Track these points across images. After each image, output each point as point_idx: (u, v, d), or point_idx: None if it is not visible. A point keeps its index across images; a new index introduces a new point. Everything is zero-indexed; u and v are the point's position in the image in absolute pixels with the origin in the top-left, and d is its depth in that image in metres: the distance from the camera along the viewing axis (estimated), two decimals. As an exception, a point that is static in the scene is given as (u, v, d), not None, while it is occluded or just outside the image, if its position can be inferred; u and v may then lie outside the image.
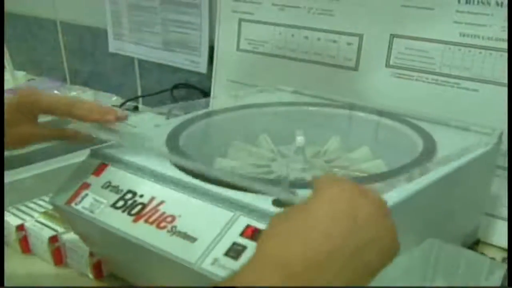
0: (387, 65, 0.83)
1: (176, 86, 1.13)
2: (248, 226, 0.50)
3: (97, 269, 0.70)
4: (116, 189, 0.59)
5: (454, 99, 0.77)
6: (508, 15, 0.71)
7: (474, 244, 0.73)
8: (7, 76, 1.32)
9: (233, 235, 0.50)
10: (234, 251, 0.49)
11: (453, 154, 0.59)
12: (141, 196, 0.58)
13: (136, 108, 1.19)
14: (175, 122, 0.71)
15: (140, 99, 1.25)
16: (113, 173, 0.61)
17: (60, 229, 0.73)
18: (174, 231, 0.53)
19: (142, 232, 0.55)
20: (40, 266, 0.73)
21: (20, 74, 1.42)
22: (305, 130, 0.69)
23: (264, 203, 0.51)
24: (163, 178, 0.57)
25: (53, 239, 0.72)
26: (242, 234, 0.50)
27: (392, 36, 0.82)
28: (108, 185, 0.60)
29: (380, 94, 0.83)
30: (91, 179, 0.62)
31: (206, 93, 1.08)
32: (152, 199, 0.57)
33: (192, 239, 0.52)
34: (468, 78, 0.76)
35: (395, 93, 0.82)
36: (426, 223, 0.59)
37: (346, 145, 0.71)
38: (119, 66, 1.27)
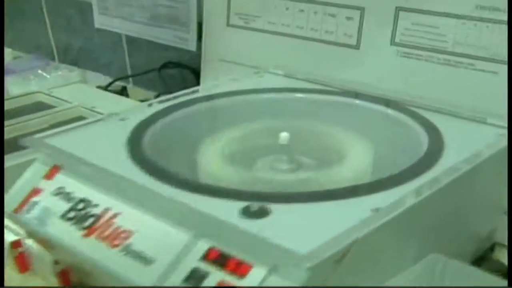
0: (392, 42, 0.73)
1: (165, 65, 1.04)
2: (211, 249, 0.42)
3: (64, 277, 0.62)
4: (68, 197, 0.51)
5: (468, 83, 0.67)
6: (508, 13, 0.62)
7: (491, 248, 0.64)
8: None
9: (194, 259, 0.42)
10: (194, 278, 0.41)
11: (465, 159, 0.50)
12: (96, 206, 0.49)
13: (124, 89, 1.10)
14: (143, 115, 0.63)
15: (131, 79, 1.16)
16: (67, 177, 0.53)
17: (23, 232, 0.65)
18: (128, 250, 0.45)
19: (92, 249, 0.47)
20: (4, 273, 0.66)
21: (7, 51, 1.34)
22: (294, 121, 0.60)
23: (232, 215, 0.43)
24: (121, 183, 0.49)
25: (16, 244, 0.64)
26: (204, 258, 0.42)
27: (398, 9, 0.71)
28: (60, 192, 0.52)
29: (384, 76, 0.74)
30: (43, 183, 0.53)
31: (198, 73, 0.99)
32: (107, 210, 0.49)
33: (148, 261, 0.44)
34: (485, 59, 0.66)
35: (401, 74, 0.72)
36: (435, 232, 0.51)
37: (341, 139, 0.61)
38: (107, 43, 1.18)
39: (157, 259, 0.44)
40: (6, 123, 0.87)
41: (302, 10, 0.81)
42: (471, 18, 0.66)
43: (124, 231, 0.47)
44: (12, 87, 1.13)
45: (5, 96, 1.01)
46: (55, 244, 0.50)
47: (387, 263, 0.46)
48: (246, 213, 0.43)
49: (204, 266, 0.41)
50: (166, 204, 0.45)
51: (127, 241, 0.46)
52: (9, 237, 0.64)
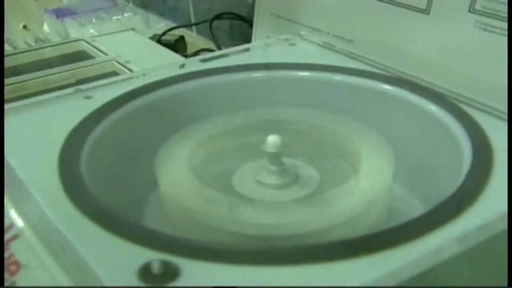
0: (471, 9, 0.53)
1: (218, 16, 0.90)
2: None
3: None
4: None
5: None
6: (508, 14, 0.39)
7: None
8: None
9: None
10: None
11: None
12: None
13: (180, 39, 0.98)
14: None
15: (194, 27, 1.04)
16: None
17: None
18: (11, 291, 0.35)
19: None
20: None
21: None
22: (293, 111, 0.45)
23: (126, 275, 0.30)
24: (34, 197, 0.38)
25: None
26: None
27: (482, -38, 0.52)
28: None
29: (455, 53, 0.55)
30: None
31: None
32: (10, 226, 0.38)
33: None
34: None
35: (477, 54, 0.53)
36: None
37: (354, 140, 0.44)
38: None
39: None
40: (33, 74, 0.80)
41: (363, -42, 0.62)
42: None
43: (14, 262, 0.36)
44: (72, 30, 1.06)
45: (47, 43, 0.94)
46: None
47: None
48: (145, 274, 0.30)
49: None
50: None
51: (13, 278, 0.35)
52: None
